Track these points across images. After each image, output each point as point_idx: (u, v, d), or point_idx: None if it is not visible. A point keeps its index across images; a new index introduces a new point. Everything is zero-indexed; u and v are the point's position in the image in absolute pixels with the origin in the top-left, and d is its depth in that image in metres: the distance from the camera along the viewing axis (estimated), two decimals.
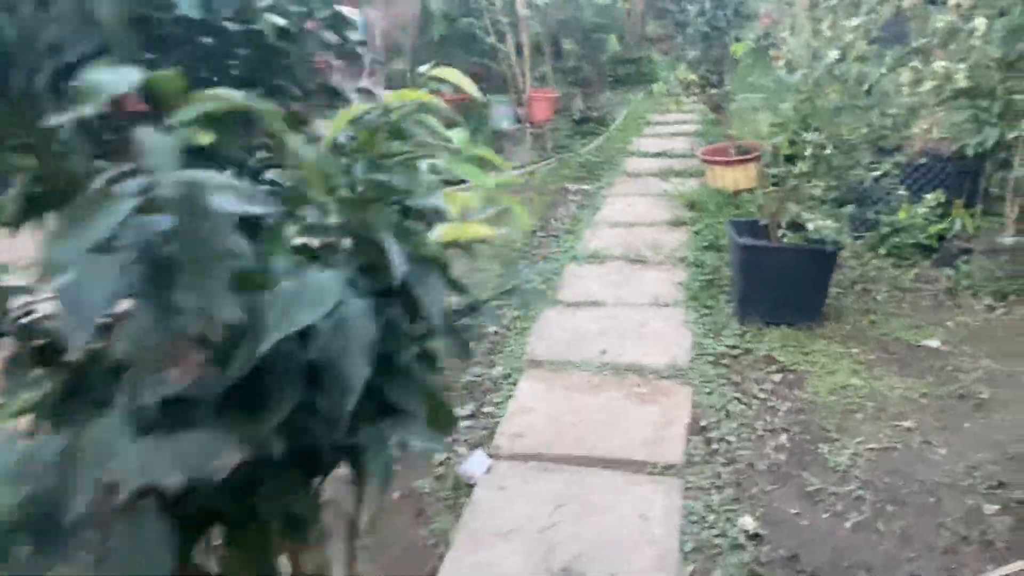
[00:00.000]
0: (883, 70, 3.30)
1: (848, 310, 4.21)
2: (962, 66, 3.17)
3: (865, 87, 3.44)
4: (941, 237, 4.81)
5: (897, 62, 3.29)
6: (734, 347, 3.82)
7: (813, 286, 3.99)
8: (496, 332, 4.21)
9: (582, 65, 9.49)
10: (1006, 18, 4.36)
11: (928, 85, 3.25)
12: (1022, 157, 4.23)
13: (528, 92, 7.49)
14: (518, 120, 7.60)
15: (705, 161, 6.30)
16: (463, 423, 3.32)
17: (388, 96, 1.09)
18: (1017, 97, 4.21)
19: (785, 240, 3.90)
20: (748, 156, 6.06)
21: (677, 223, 5.65)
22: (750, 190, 6.06)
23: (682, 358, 3.70)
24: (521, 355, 3.83)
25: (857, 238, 5.03)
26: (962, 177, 4.90)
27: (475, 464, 2.92)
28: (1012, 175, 4.25)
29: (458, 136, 1.20)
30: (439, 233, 1.10)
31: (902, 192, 4.81)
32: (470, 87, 1.15)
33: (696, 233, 5.38)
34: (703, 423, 3.22)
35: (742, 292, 4.06)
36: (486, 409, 3.43)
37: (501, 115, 7.77)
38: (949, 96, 3.53)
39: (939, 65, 3.17)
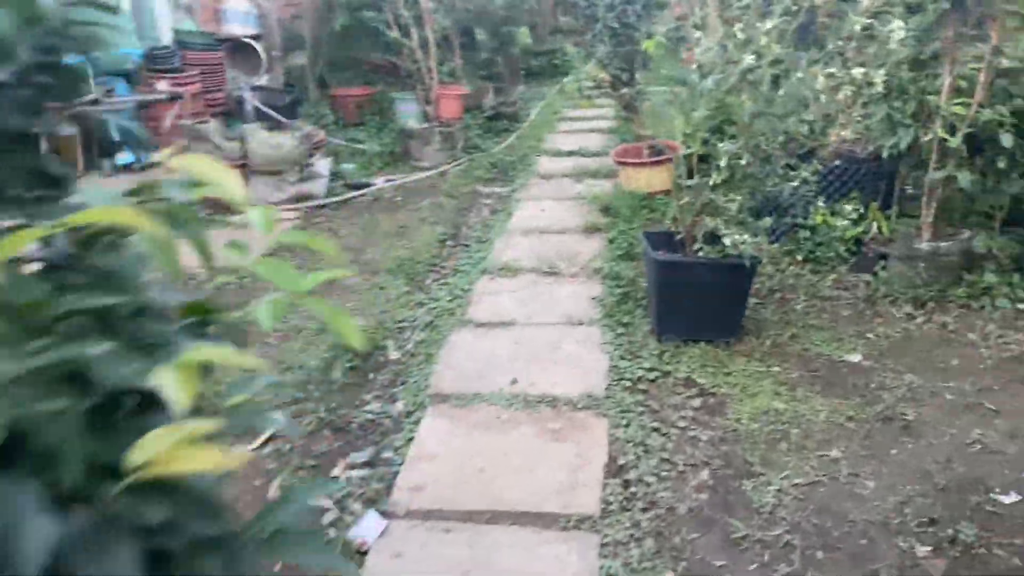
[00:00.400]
0: (799, 74, 3.10)
1: (768, 323, 4.04)
2: (881, 72, 2.99)
3: (781, 93, 3.24)
4: (858, 241, 4.70)
5: (813, 65, 3.10)
6: (652, 369, 3.59)
7: (732, 301, 3.80)
8: (400, 359, 3.88)
9: (494, 59, 9.18)
10: (918, 16, 4.25)
11: (847, 91, 3.06)
12: (937, 160, 4.13)
13: (435, 89, 7.13)
14: (426, 118, 7.24)
15: (618, 162, 6.08)
16: (357, 473, 2.98)
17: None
18: (930, 98, 4.11)
19: (701, 254, 3.69)
20: (662, 157, 5.87)
21: (591, 229, 5.41)
22: (666, 192, 5.88)
23: (598, 385, 3.44)
24: (425, 387, 3.51)
25: (773, 241, 4.88)
26: (877, 179, 4.81)
27: (368, 527, 2.59)
28: (927, 178, 4.15)
29: (255, 215, 0.85)
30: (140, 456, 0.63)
31: (818, 197, 4.69)
32: (230, 184, 0.79)
33: (611, 241, 5.15)
34: (621, 461, 2.97)
35: (659, 309, 3.84)
36: (385, 455, 3.10)
37: (407, 113, 7.40)
38: (867, 101, 3.38)
39: (858, 71, 2.98)
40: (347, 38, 9.11)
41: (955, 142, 3.92)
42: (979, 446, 3.03)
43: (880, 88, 3.05)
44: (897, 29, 3.02)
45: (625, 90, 5.70)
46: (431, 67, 7.05)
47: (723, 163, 3.37)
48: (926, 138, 4.10)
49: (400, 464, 2.99)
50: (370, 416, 3.39)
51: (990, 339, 3.82)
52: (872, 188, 4.82)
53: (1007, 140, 3.86)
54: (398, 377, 3.71)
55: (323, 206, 6.20)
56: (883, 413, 3.25)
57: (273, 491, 2.88)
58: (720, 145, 3.35)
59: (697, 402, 3.37)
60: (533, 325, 4.05)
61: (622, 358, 3.68)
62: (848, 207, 4.78)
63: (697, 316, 3.80)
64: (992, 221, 4.49)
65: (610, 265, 4.72)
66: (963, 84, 4.03)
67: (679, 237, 3.81)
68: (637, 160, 6.03)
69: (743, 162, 3.37)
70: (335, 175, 6.74)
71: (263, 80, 8.59)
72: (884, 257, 4.43)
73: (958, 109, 3.96)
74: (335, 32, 9.10)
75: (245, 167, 5.99)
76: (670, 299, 3.79)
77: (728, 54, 3.18)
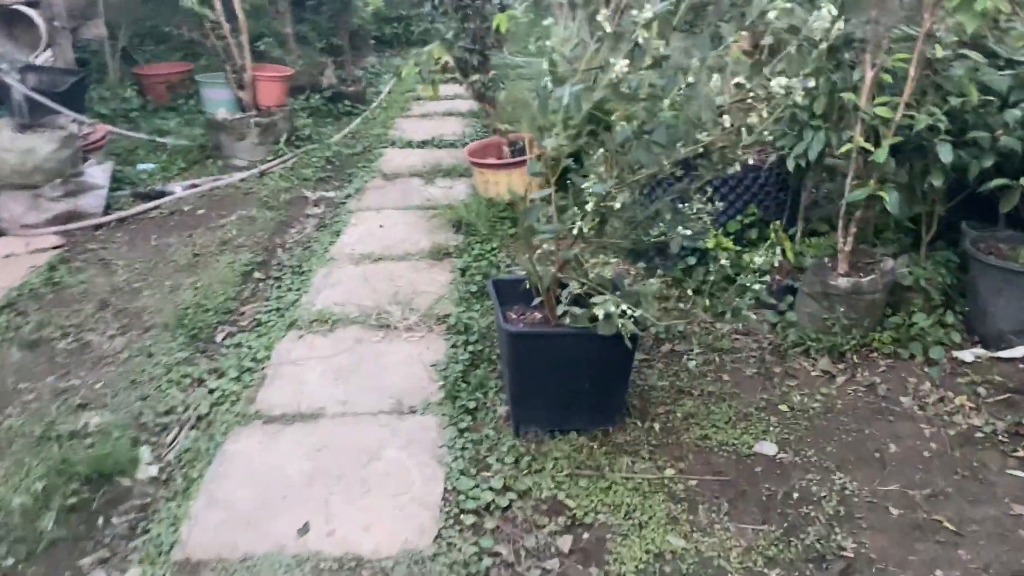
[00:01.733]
0: (690, 79, 2.11)
1: (655, 393, 3.11)
2: (801, 81, 2.04)
3: (666, 108, 2.25)
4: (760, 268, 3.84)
5: (712, 72, 2.12)
6: (505, 489, 2.59)
7: (609, 381, 2.83)
8: (155, 481, 2.73)
9: (337, 26, 7.84)
10: None
11: (761, 111, 2.10)
12: (855, 175, 3.28)
13: (249, 70, 5.81)
14: (240, 106, 5.91)
15: (473, 163, 5.02)
16: None
17: None
18: (846, 95, 3.24)
19: (568, 320, 2.69)
20: (527, 156, 4.85)
21: (439, 254, 4.33)
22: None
23: (427, 529, 2.41)
24: (169, 548, 2.38)
25: (655, 268, 3.97)
26: (782, 193, 3.95)
27: None
28: (845, 198, 3.30)
29: None
30: None
31: (707, 209, 3.80)
32: None
33: (462, 272, 4.10)
34: None
35: (516, 393, 2.83)
36: None
37: (217, 100, 6.05)
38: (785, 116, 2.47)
39: (778, 83, 2.02)
40: (150, 5, 7.58)
41: (880, 156, 3.06)
42: None
43: (800, 98, 2.12)
44: (825, 15, 2.07)
45: (476, 76, 4.61)
46: (242, 43, 5.71)
47: (589, 207, 2.36)
48: (841, 148, 3.24)
49: None
50: None
51: (929, 406, 3.03)
52: (774, 201, 3.97)
53: (945, 153, 3.03)
54: (144, 519, 2.56)
55: (100, 226, 4.85)
56: (814, 547, 2.37)
57: None
58: (585, 185, 2.34)
59: (566, 542, 2.40)
60: (347, 417, 2.96)
61: (463, 473, 2.65)
62: (745, 224, 3.91)
63: (565, 400, 2.82)
64: (914, 240, 3.72)
65: (459, 311, 3.68)
66: (887, 79, 3.17)
67: (539, 299, 2.80)
68: (496, 161, 4.99)
69: (617, 205, 2.37)
70: (122, 182, 5.36)
71: (42, 58, 6.97)
72: (792, 291, 3.59)
73: (882, 111, 3.10)
74: (137, 1, 7.56)
75: None
76: (529, 380, 2.79)
77: (593, 52, 2.16)
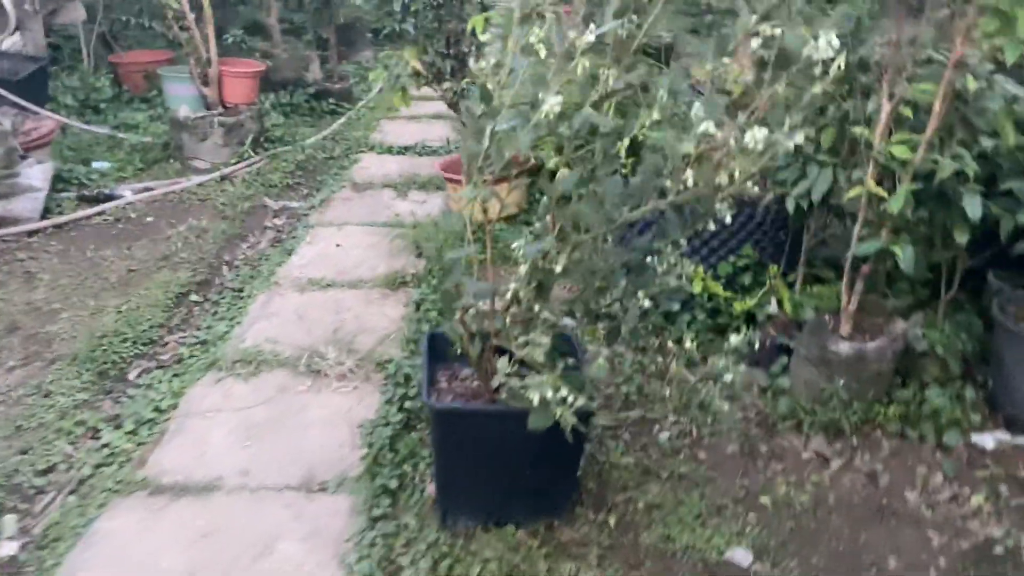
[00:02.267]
0: (648, 124, 1.64)
1: (616, 474, 2.64)
2: (797, 139, 1.57)
3: (619, 150, 1.78)
4: (751, 317, 3.37)
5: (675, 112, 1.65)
6: None
7: (555, 467, 2.36)
8: (15, 559, 2.29)
9: (322, 18, 7.37)
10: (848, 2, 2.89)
11: (738, 162, 1.62)
12: (865, 222, 2.79)
13: (215, 65, 5.36)
14: (205, 104, 5.46)
15: (447, 178, 4.55)
16: None
17: None
18: (858, 130, 2.74)
19: (505, 395, 2.22)
20: (505, 174, 4.36)
21: (395, 283, 3.88)
22: (510, 217, 4.42)
23: None
24: None
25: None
26: (781, 232, 3.46)
27: None
28: (852, 251, 2.80)
29: None
30: None
31: (695, 253, 3.33)
32: None
33: (417, 307, 3.64)
34: None
35: (443, 479, 2.38)
36: None
37: (178, 97, 5.61)
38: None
39: (756, 138, 1.54)
40: None
41: (895, 205, 2.57)
42: None
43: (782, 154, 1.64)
44: (826, 45, 1.59)
45: (448, 84, 4.13)
46: (208, 35, 5.26)
47: (523, 268, 1.89)
48: (851, 192, 2.74)
49: None
50: None
51: (939, 506, 2.54)
52: (772, 242, 3.48)
53: (973, 206, 2.54)
54: None
55: (35, 232, 4.43)
56: None
57: None
58: (515, 244, 1.88)
59: None
60: (246, 493, 2.51)
61: None
62: (738, 266, 3.43)
63: (503, 487, 2.36)
64: (931, 292, 3.22)
65: (402, 357, 3.21)
66: (907, 112, 2.68)
67: (473, 368, 2.33)
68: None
69: (558, 268, 1.90)
70: (69, 183, 4.94)
71: (8, 43, 6.55)
72: (786, 351, 3.10)
73: (900, 151, 2.61)
74: None
75: None
76: (458, 464, 2.34)
77: (522, 83, 1.70)
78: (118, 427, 2.86)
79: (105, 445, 2.76)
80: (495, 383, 2.22)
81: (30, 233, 4.41)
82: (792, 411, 2.91)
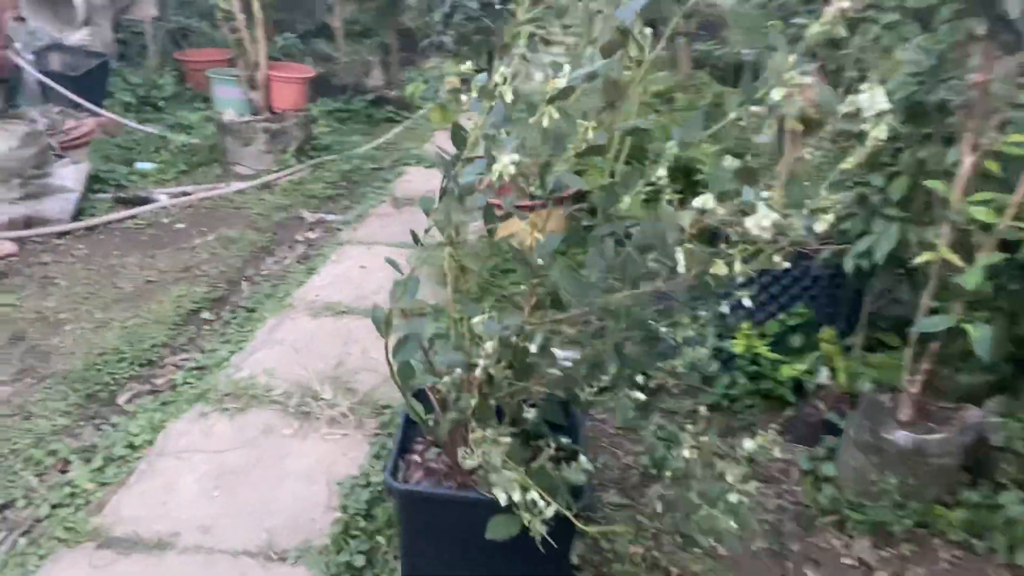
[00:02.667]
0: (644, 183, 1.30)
1: (614, 567, 2.29)
2: (819, 226, 1.21)
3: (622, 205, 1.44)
4: (799, 385, 2.96)
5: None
6: None
7: (538, 560, 2.03)
8: None
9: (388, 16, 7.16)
10: (927, 35, 2.48)
11: (731, 261, 1.27)
12: (935, 292, 2.36)
13: (264, 69, 5.21)
14: (253, 109, 5.33)
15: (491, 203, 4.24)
16: None
17: None
18: (932, 183, 2.32)
19: (480, 478, 1.91)
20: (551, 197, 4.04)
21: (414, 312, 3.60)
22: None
23: None
24: None
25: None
26: (836, 287, 3.04)
27: None
28: (916, 326, 2.38)
29: None
30: None
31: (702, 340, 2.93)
32: None
33: (431, 344, 3.34)
34: None
35: (410, 566, 2.08)
36: None
37: (226, 99, 5.49)
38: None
39: (760, 223, 1.18)
40: None
41: (971, 280, 2.14)
42: None
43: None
44: (866, 100, 1.22)
45: None
46: (258, 37, 5.12)
47: (489, 345, 1.58)
48: (921, 256, 2.32)
49: None
50: None
51: None
52: (829, 298, 3.05)
53: None
54: None
55: (65, 234, 4.34)
56: None
57: None
58: (475, 320, 1.57)
59: None
60: (200, 555, 2.27)
61: None
62: (789, 325, 3.02)
63: None
64: (1014, 369, 2.75)
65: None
66: (994, 167, 2.24)
67: (444, 446, 2.03)
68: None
69: (533, 348, 1.58)
70: (107, 183, 4.86)
71: (77, 37, 6.61)
72: (836, 430, 2.69)
73: (982, 213, 2.18)
74: None
75: None
76: (426, 550, 2.04)
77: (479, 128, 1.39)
78: (88, 460, 2.66)
79: (69, 483, 2.56)
80: (468, 464, 1.91)
81: (60, 235, 4.34)
82: (835, 505, 2.50)
